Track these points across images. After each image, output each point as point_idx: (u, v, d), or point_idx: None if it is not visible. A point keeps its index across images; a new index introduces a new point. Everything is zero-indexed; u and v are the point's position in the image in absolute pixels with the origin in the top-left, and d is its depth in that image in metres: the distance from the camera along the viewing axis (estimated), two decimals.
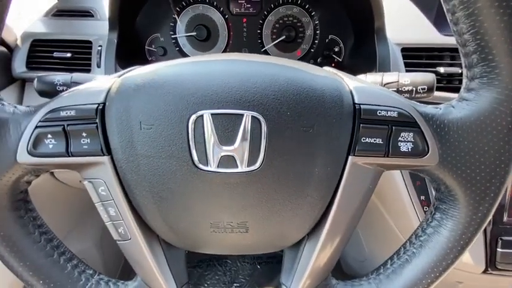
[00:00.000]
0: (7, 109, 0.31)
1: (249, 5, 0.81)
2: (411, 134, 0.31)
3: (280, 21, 0.83)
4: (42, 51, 0.74)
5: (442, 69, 0.67)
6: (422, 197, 0.67)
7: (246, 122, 0.29)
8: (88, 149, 0.31)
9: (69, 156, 0.31)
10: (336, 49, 0.83)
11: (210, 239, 0.35)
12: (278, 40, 0.82)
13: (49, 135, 0.31)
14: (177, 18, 0.82)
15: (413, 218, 0.66)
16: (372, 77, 0.47)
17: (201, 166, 0.30)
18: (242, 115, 0.29)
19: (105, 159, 0.31)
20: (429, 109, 0.32)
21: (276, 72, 0.32)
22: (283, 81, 0.30)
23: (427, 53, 0.70)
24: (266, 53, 0.85)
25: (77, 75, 0.47)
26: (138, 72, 0.33)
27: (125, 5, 0.67)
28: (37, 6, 0.81)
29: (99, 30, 0.73)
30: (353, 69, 0.77)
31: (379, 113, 0.31)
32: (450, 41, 0.69)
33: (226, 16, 0.82)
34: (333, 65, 0.84)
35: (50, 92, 0.46)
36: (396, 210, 0.72)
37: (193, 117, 0.29)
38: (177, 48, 0.84)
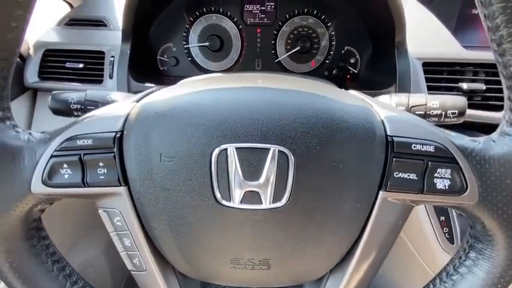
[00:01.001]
0: (22, 136, 0.30)
1: (264, 15, 0.79)
2: (448, 171, 0.29)
3: (295, 32, 0.81)
4: (55, 61, 0.73)
5: (465, 86, 0.64)
6: (442, 218, 0.65)
7: (273, 156, 0.27)
8: (105, 179, 0.30)
9: (85, 186, 0.30)
10: (352, 60, 0.81)
11: (229, 273, 0.33)
12: (292, 51, 0.81)
13: (65, 165, 0.29)
14: (190, 28, 0.81)
15: (434, 244, 0.64)
16: (397, 98, 0.45)
17: (223, 202, 0.28)
18: (268, 149, 0.27)
19: (122, 190, 0.30)
20: (467, 143, 0.30)
21: (304, 101, 0.30)
22: (312, 112, 0.29)
23: (449, 67, 0.67)
24: (280, 64, 0.83)
25: (91, 93, 0.46)
26: (157, 98, 0.32)
27: (139, 16, 0.66)
28: (49, 14, 0.81)
29: (111, 40, 0.72)
30: (370, 81, 0.75)
31: (414, 146, 0.29)
32: (473, 55, 0.66)
33: (240, 26, 0.80)
34: (349, 76, 0.82)
35: (64, 110, 0.45)
36: (415, 236, 0.69)
37: (216, 150, 0.27)
38: (189, 58, 0.83)
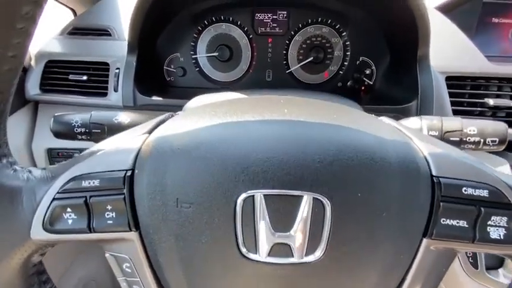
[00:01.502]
0: (20, 175, 0.27)
1: (275, 25, 0.76)
2: (504, 219, 0.25)
3: (308, 42, 0.77)
4: (57, 73, 0.70)
5: (491, 102, 0.61)
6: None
7: (307, 204, 0.24)
8: (113, 224, 0.26)
9: (91, 232, 0.26)
10: (367, 71, 0.77)
11: None
12: (305, 62, 0.77)
13: (68, 209, 0.26)
14: (198, 37, 0.77)
15: (458, 269, 0.60)
16: (428, 122, 0.41)
17: (248, 255, 0.25)
18: (302, 197, 0.24)
19: (133, 235, 0.26)
20: None
21: (341, 138, 0.26)
22: (350, 152, 0.25)
23: (472, 82, 0.63)
24: (291, 74, 0.80)
25: (96, 114, 0.42)
26: (172, 130, 0.28)
27: (146, 28, 0.63)
28: (52, 22, 0.78)
29: (116, 51, 0.69)
30: (387, 95, 0.71)
31: (465, 190, 0.25)
32: (499, 69, 0.63)
33: (251, 36, 0.77)
34: (363, 88, 0.78)
35: (67, 133, 0.41)
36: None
37: (242, 197, 0.24)
38: (197, 69, 0.80)
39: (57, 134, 0.41)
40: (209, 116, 0.30)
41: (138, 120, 0.44)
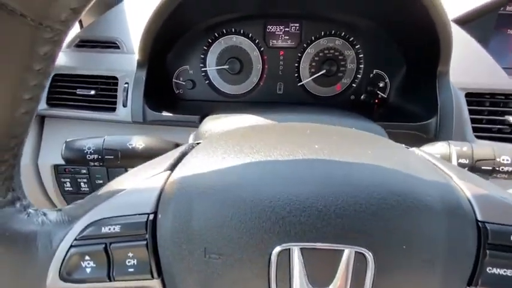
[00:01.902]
0: (35, 219, 0.25)
1: (287, 37, 0.74)
2: None
3: (320, 54, 0.75)
4: (64, 87, 0.68)
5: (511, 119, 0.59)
6: None
7: (348, 259, 0.22)
8: (135, 272, 0.24)
9: (111, 281, 0.24)
10: (381, 84, 0.76)
11: None
12: (317, 75, 0.75)
13: (87, 257, 0.24)
14: (207, 49, 0.75)
15: None
16: (458, 149, 0.39)
17: None
18: (343, 251, 0.22)
19: (155, 283, 0.25)
20: None
21: (382, 183, 0.24)
22: (394, 200, 0.23)
23: (492, 98, 0.61)
24: (303, 87, 0.78)
25: (109, 140, 0.40)
26: (198, 169, 0.26)
27: (157, 46, 0.61)
28: None
29: (125, 65, 0.67)
30: (403, 110, 0.69)
31: None
32: None
33: (262, 48, 0.75)
34: (377, 101, 0.77)
35: (78, 160, 0.40)
36: None
37: (277, 249, 0.22)
38: (207, 81, 0.78)
39: (69, 161, 0.40)
40: (234, 152, 0.28)
41: (152, 145, 0.42)
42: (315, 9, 0.68)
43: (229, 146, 0.29)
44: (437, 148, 0.41)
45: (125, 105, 0.65)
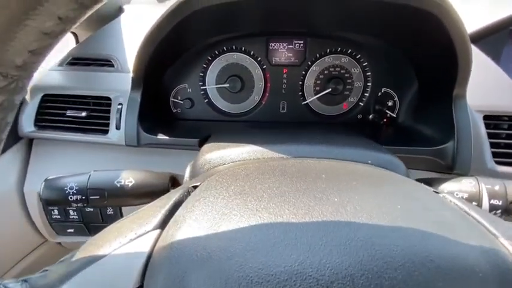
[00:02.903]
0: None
1: (291, 55, 0.70)
2: None
3: (326, 72, 0.72)
4: (54, 108, 0.64)
5: None
6: None
7: None
8: None
9: None
10: (390, 103, 0.72)
11: None
12: (323, 93, 0.71)
13: None
14: (207, 67, 0.72)
15: None
16: (489, 188, 0.35)
17: None
18: None
19: None
20: None
21: (421, 252, 0.20)
22: (439, 274, 0.18)
23: (510, 121, 0.57)
24: (307, 106, 0.74)
25: (95, 177, 0.36)
26: (194, 231, 0.22)
27: (153, 65, 0.57)
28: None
29: (119, 84, 0.63)
30: (414, 130, 0.65)
31: None
32: None
33: (264, 66, 0.71)
34: (385, 120, 0.72)
35: (59, 200, 0.35)
36: None
37: None
38: (206, 100, 0.74)
39: (49, 202, 0.35)
40: (238, 207, 0.23)
41: (143, 182, 0.37)
42: (320, 28, 0.65)
43: (231, 197, 0.24)
44: (465, 186, 0.36)
45: (118, 128, 0.61)
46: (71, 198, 0.34)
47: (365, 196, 0.25)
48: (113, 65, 0.68)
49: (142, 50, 0.52)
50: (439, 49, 0.51)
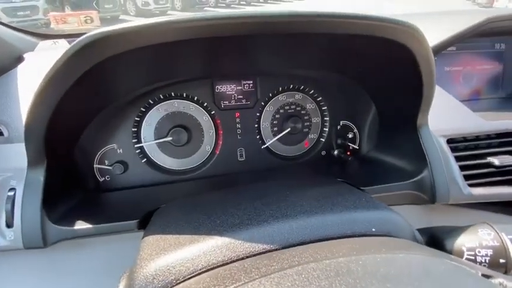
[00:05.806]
0: None
1: (241, 96, 0.62)
2: None
3: (281, 111, 0.65)
4: None
5: (496, 161, 0.55)
6: None
7: None
8: None
9: None
10: (350, 135, 0.68)
11: None
12: (282, 134, 0.64)
13: None
14: (141, 120, 0.58)
15: None
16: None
17: None
18: None
19: None
20: None
21: None
22: None
23: (473, 141, 0.58)
24: (268, 149, 0.65)
25: None
26: None
27: (58, 127, 0.41)
28: None
29: (10, 161, 0.45)
30: (382, 162, 0.61)
31: None
32: (493, 125, 0.59)
33: (213, 112, 0.61)
34: (349, 153, 0.68)
35: None
36: None
37: None
38: (144, 160, 0.59)
39: None
40: None
41: None
42: (270, 67, 0.59)
43: None
44: (485, 240, 0.30)
45: (10, 226, 0.41)
46: None
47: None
48: (2, 134, 0.49)
49: (34, 110, 0.36)
50: (403, 80, 0.49)
